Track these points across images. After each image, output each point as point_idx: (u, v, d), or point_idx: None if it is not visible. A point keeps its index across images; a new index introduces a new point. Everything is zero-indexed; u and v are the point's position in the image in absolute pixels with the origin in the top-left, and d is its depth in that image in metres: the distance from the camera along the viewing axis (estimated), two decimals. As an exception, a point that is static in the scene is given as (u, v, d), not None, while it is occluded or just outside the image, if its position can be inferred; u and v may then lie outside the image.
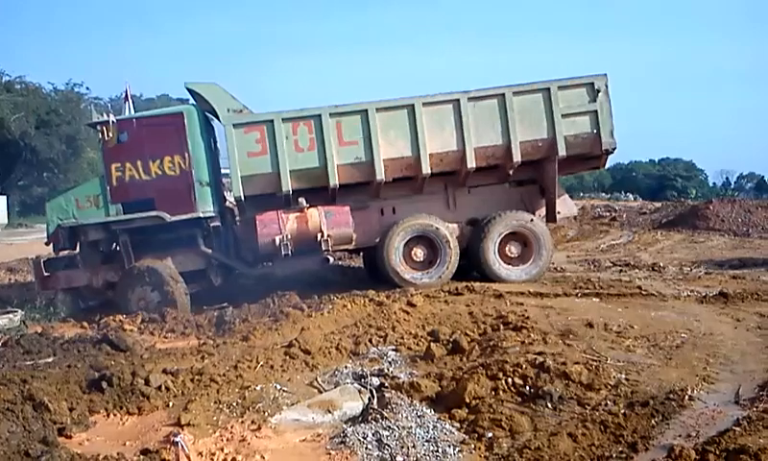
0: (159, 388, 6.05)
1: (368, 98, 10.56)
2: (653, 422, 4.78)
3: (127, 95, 11.13)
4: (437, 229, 10.51)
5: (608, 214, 25.29)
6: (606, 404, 5.15)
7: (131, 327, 9.07)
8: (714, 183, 69.38)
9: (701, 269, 11.86)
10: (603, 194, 47.06)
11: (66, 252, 10.69)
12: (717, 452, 4.08)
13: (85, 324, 9.68)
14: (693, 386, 5.35)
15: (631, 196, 45.12)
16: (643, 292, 9.45)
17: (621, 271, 12.18)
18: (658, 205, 27.79)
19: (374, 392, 5.92)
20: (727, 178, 74.90)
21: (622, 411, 4.96)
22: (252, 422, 5.44)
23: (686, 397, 5.11)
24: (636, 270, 12.22)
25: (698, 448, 4.21)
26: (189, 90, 10.91)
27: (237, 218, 11.12)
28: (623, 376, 5.65)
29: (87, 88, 40.72)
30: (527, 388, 5.46)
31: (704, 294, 9.16)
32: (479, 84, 15.80)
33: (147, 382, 6.09)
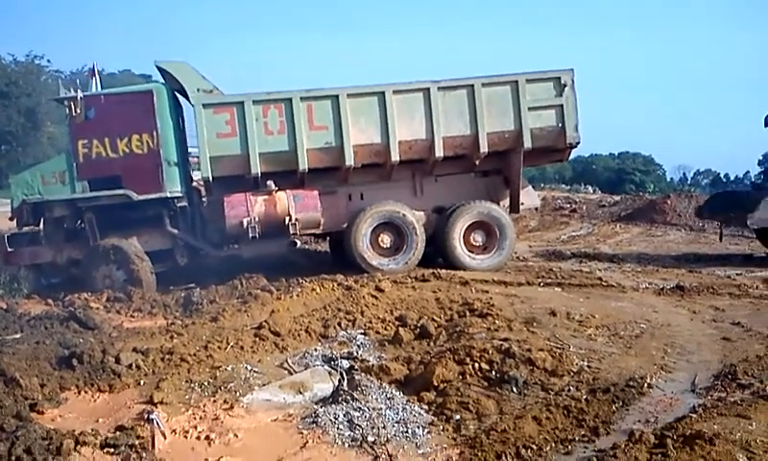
0: (130, 366, 6.11)
1: (338, 83, 10.58)
2: (614, 407, 4.98)
3: (93, 71, 11.01)
4: (404, 215, 10.64)
5: (568, 206, 25.64)
6: (569, 390, 5.36)
7: (96, 306, 9.04)
8: (672, 178, 70.70)
9: (658, 262, 12.21)
10: (563, 186, 47.60)
11: (29, 227, 10.53)
12: (674, 437, 4.27)
13: (50, 301, 9.56)
14: (652, 374, 5.58)
15: (590, 188, 45.71)
16: (603, 283, 9.72)
17: (582, 262, 12.48)
18: (617, 198, 28.29)
19: (344, 374, 6.05)
20: (684, 173, 76.39)
21: (584, 397, 5.16)
22: (225, 401, 5.52)
23: (645, 384, 5.33)
24: (597, 261, 12.54)
25: (656, 433, 4.40)
26: (159, 69, 10.78)
27: (204, 199, 11.09)
28: (585, 363, 5.86)
29: (48, 61, 39.58)
30: (493, 373, 5.64)
31: (661, 286, 9.46)
32: (450, 73, 15.94)
33: (117, 360, 6.13)
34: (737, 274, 10.50)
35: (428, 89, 10.57)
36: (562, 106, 10.78)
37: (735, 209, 11.92)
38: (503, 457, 4.41)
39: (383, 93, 10.50)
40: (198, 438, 4.91)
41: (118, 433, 4.71)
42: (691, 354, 6.26)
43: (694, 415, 4.66)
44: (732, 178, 69.65)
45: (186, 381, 5.87)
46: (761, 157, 50.39)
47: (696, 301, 8.57)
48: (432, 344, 6.80)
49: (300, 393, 5.80)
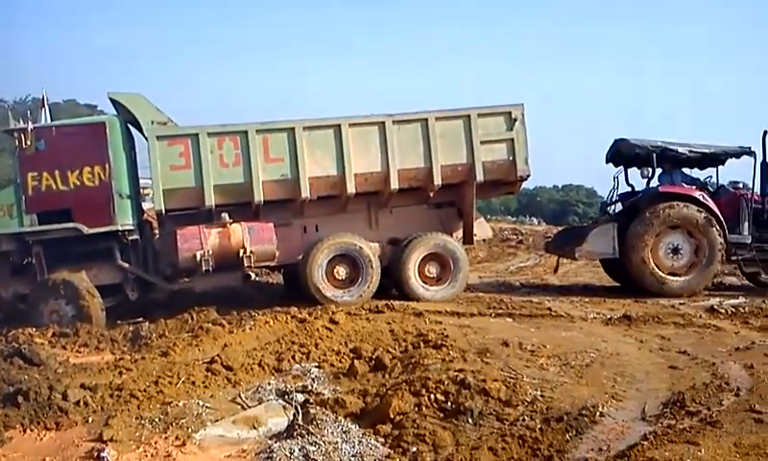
0: (78, 403, 5.95)
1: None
2: (567, 436, 5.05)
3: (43, 101, 10.82)
4: (360, 248, 10.66)
5: (515, 237, 25.99)
6: (523, 420, 5.41)
7: (41, 341, 8.76)
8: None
9: (605, 292, 12.47)
10: (510, 217, 48.36)
11: None
12: (628, 465, 4.40)
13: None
14: (603, 403, 5.67)
15: (536, 220, 46.50)
16: (553, 313, 9.87)
17: (530, 292, 12.68)
18: (561, 229, 28.78)
19: (299, 408, 6.00)
20: (626, 205, 78.42)
21: (539, 426, 5.23)
22: (177, 437, 5.43)
23: (597, 413, 5.41)
24: (545, 292, 12.76)
25: (610, 462, 4.51)
26: (112, 100, 10.70)
27: (156, 231, 10.95)
28: (539, 392, 5.92)
29: (-10, 90, 38.74)
30: (449, 404, 5.67)
31: (609, 316, 9.65)
32: (406, 107, 16.16)
33: (65, 397, 5.97)
34: (681, 303, 10.80)
35: (383, 123, 10.71)
36: (512, 140, 11.01)
37: (574, 243, 12.27)
38: (460, 489, 4.44)
39: (339, 126, 10.59)
40: (150, 475, 4.82)
41: (67, 472, 4.58)
42: (640, 383, 6.38)
43: (645, 442, 4.75)
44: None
45: (137, 418, 5.75)
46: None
47: (643, 330, 8.77)
48: (387, 376, 6.80)
49: (255, 428, 5.75)
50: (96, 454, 4.85)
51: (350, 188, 10.59)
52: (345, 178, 10.55)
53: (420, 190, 11.10)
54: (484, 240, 15.09)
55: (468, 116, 10.91)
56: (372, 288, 10.66)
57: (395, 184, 10.72)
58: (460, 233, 11.51)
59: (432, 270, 11.03)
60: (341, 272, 10.69)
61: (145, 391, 6.28)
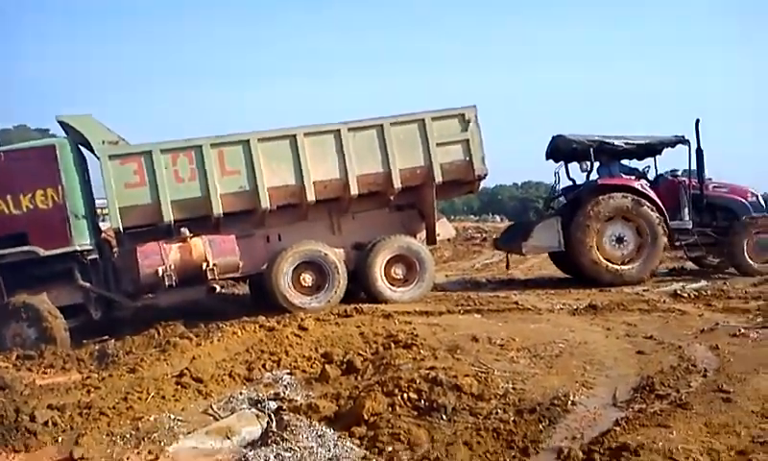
0: (46, 423, 5.84)
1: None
2: (540, 426, 5.11)
3: (-8, 128, 10.60)
4: (325, 254, 10.64)
5: (479, 235, 26.24)
6: (497, 413, 5.45)
7: (5, 364, 8.57)
8: (572, 205, 73.42)
9: (569, 283, 12.66)
10: (472, 216, 48.80)
11: None
12: (601, 451, 4.45)
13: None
14: (574, 391, 5.74)
15: (498, 217, 46.99)
16: (520, 307, 9.99)
17: (497, 288, 12.80)
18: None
19: (272, 415, 5.97)
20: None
21: (512, 418, 5.28)
22: (149, 452, 5.36)
23: (569, 402, 5.49)
24: (511, 286, 12.89)
25: (584, 449, 4.57)
26: (61, 123, 10.59)
27: (116, 250, 10.80)
28: (510, 385, 5.98)
29: (-65, 116, 37.75)
30: (422, 402, 5.68)
31: (575, 306, 9.81)
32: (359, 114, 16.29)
33: (33, 418, 5.85)
34: (644, 290, 11.01)
35: (339, 131, 10.74)
36: (468, 140, 11.15)
37: (521, 239, 12.51)
38: (438, 484, 4.46)
39: (294, 136, 10.60)
40: (124, 492, 4.74)
41: (38, 495, 4.49)
42: (610, 369, 6.49)
43: (618, 428, 4.83)
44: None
45: (107, 435, 5.67)
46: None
47: (609, 318, 8.92)
48: (359, 378, 6.80)
49: (228, 438, 5.69)
50: (66, 474, 4.75)
51: (310, 196, 10.60)
52: (304, 186, 10.55)
53: (381, 194, 11.15)
54: (449, 240, 15.21)
55: (423, 120, 11.02)
56: (339, 293, 10.65)
57: (354, 190, 10.75)
58: (423, 234, 11.58)
59: (398, 272, 11.08)
60: (307, 279, 10.65)
61: (114, 408, 6.18)
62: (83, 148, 10.59)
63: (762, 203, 12.79)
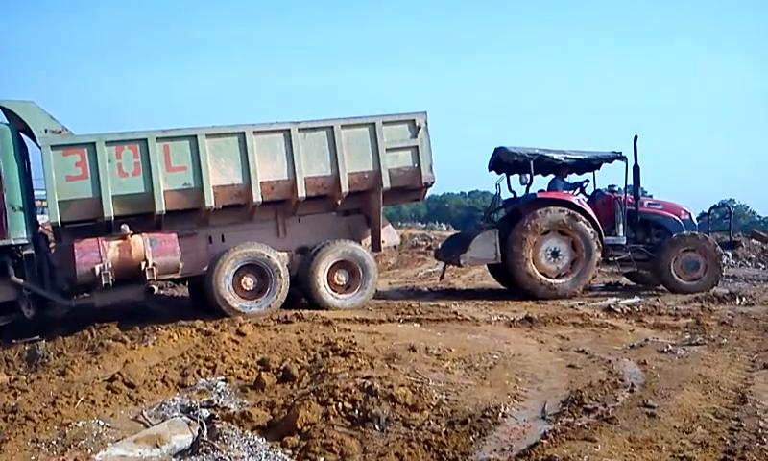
0: (-32, 430, 5.63)
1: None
2: (471, 438, 5.18)
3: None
4: (268, 258, 10.52)
5: (424, 243, 26.34)
6: (429, 424, 5.51)
7: (-74, 365, 8.25)
8: (521, 214, 74.48)
9: (508, 295, 12.83)
10: (419, 224, 49.06)
11: None
12: (529, 464, 4.55)
13: None
14: (505, 404, 5.83)
15: (444, 226, 47.32)
16: (459, 317, 10.06)
17: (438, 297, 12.89)
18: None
19: (204, 424, 5.90)
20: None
21: (444, 430, 5.34)
22: (75, 460, 5.21)
23: (500, 414, 5.57)
24: (452, 296, 13.01)
25: (512, 461, 4.65)
26: (2, 108, 10.13)
27: (52, 245, 10.46)
28: (444, 396, 6.04)
29: None
30: (356, 412, 5.71)
31: (512, 318, 9.94)
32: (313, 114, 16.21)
33: (-47, 424, 5.63)
34: (580, 304, 11.25)
35: (289, 130, 10.61)
36: (417, 147, 11.17)
37: (459, 250, 12.69)
38: (366, 496, 4.47)
39: (243, 134, 10.42)
40: (45, 502, 4.61)
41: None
42: (541, 382, 6.60)
43: (545, 441, 4.94)
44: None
45: (32, 441, 5.52)
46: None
47: (543, 331, 9.08)
48: (296, 386, 6.77)
49: (158, 446, 5.58)
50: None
51: (257, 197, 10.44)
52: (250, 186, 10.39)
53: (328, 198, 11.09)
54: (394, 246, 15.24)
55: (374, 124, 10.98)
56: (280, 298, 10.55)
57: (302, 192, 10.66)
58: (368, 240, 11.57)
59: (341, 278, 11.04)
60: (248, 282, 10.51)
61: (41, 412, 6.03)
62: (24, 136, 10.17)
63: (695, 221, 13.20)
